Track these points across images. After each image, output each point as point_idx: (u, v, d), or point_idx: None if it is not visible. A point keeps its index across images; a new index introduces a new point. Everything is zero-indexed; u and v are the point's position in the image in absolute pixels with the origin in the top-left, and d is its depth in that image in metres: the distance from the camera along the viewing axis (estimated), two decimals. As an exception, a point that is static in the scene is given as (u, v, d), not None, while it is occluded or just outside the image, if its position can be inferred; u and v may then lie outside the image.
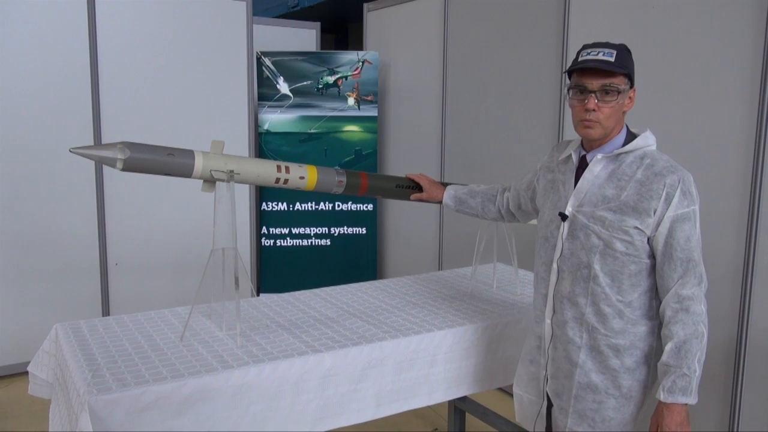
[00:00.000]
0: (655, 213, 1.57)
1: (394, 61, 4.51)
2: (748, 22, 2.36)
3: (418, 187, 2.34)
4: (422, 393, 2.04)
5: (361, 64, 4.41)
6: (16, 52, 3.50)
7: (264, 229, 4.46)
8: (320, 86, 4.41)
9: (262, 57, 4.34)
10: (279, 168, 2.04)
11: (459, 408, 2.78)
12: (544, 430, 1.87)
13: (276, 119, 4.41)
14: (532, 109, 3.34)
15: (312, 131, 4.44)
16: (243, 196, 4.25)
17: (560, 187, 1.76)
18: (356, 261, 4.55)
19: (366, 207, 4.52)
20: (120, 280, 3.93)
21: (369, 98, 4.44)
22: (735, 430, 2.48)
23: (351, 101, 4.44)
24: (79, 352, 1.80)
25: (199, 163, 1.87)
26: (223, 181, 1.91)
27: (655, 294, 1.67)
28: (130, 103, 3.84)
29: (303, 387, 1.80)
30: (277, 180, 2.04)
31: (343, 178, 2.18)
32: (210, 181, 1.92)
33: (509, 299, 2.46)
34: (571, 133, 2.87)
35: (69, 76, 3.65)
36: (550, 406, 1.85)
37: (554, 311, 1.76)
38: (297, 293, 2.46)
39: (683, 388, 1.56)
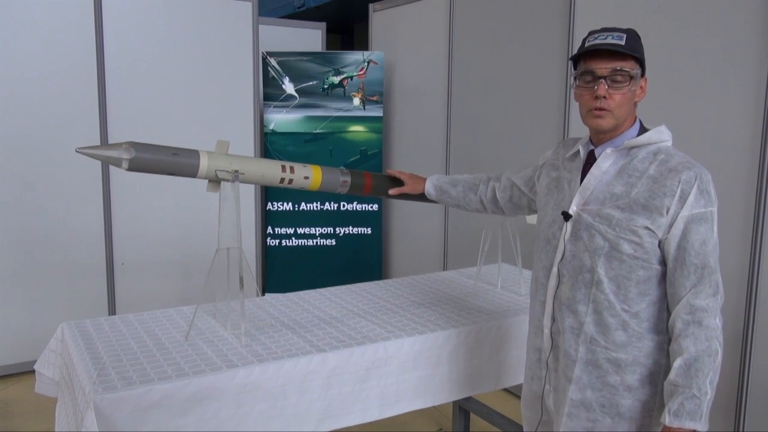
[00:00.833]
0: (667, 212, 1.42)
1: (399, 62, 4.52)
2: (756, 20, 2.36)
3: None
4: (427, 393, 2.03)
5: (366, 64, 4.42)
6: (23, 52, 3.53)
7: (269, 229, 4.47)
8: (326, 86, 4.41)
9: (268, 57, 4.35)
10: (284, 168, 2.05)
11: (463, 408, 2.78)
12: None
13: (281, 119, 4.42)
14: (538, 109, 3.34)
15: (317, 131, 4.45)
16: (248, 196, 4.25)
17: (565, 186, 1.61)
18: (361, 261, 4.56)
19: (371, 207, 4.52)
20: (126, 280, 3.95)
21: (374, 98, 4.44)
22: None
23: (356, 101, 4.44)
24: (84, 350, 1.81)
25: (204, 163, 1.87)
26: (228, 181, 1.92)
27: (666, 306, 1.48)
28: (137, 103, 3.86)
29: (307, 387, 1.80)
30: (282, 180, 2.05)
31: (348, 178, 2.19)
32: (215, 181, 1.93)
33: (514, 299, 2.45)
34: (577, 133, 2.86)
35: (76, 76, 3.67)
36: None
37: (553, 320, 1.60)
38: (302, 293, 2.46)
39: (692, 412, 1.37)
